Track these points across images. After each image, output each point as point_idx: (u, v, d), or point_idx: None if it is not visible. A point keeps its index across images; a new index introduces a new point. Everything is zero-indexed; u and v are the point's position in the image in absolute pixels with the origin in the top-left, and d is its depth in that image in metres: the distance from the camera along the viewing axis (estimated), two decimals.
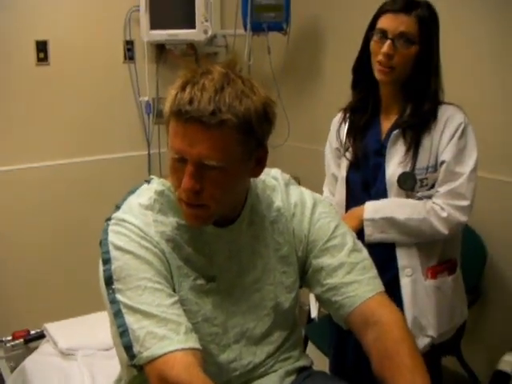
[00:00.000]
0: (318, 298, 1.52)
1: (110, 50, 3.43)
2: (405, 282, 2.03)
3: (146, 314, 1.24)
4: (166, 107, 1.26)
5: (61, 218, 3.37)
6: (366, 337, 1.40)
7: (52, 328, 2.54)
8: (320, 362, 2.16)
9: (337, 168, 2.22)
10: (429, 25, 1.94)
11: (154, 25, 3.36)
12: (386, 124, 2.08)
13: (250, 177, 1.40)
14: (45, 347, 2.48)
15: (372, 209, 2.03)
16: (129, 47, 3.47)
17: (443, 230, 1.97)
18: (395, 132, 2.01)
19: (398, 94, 2.03)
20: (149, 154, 3.61)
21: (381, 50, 1.93)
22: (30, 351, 2.57)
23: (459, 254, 2.16)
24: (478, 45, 2.64)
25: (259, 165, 1.36)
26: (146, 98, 3.52)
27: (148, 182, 1.45)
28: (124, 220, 1.34)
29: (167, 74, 3.57)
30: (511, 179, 2.61)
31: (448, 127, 1.96)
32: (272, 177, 1.54)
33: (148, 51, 3.47)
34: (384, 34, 1.93)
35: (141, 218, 1.35)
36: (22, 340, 2.64)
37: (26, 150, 3.25)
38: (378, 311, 1.40)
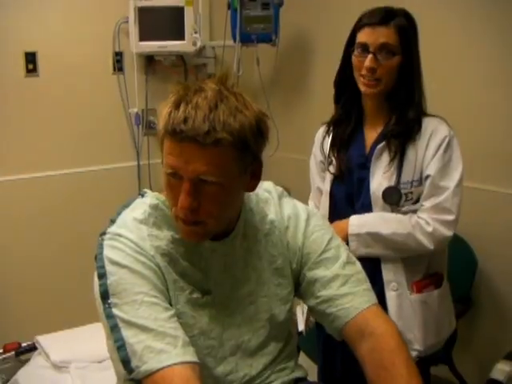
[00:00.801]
0: (312, 310, 1.52)
1: (99, 61, 3.43)
2: (390, 297, 2.02)
3: (143, 328, 1.24)
4: (160, 125, 1.26)
5: (50, 230, 3.35)
6: (360, 348, 1.40)
7: (44, 340, 2.53)
8: (311, 371, 2.16)
9: (321, 181, 2.20)
10: (408, 33, 1.92)
11: (143, 36, 3.36)
12: (370, 136, 2.06)
13: (246, 191, 1.40)
14: (37, 360, 2.48)
15: (357, 223, 2.01)
16: (118, 58, 3.47)
17: (429, 244, 1.96)
18: (380, 145, 2.00)
19: (383, 106, 2.02)
20: (138, 165, 3.60)
21: (363, 65, 1.92)
22: (22, 364, 2.56)
23: (446, 268, 2.14)
24: (464, 53, 2.68)
25: (254, 178, 1.37)
26: (136, 110, 3.51)
27: (142, 195, 1.45)
28: (119, 235, 1.34)
29: (156, 85, 3.59)
30: (501, 189, 2.64)
31: (433, 140, 1.95)
32: (265, 190, 1.55)
33: (137, 62, 3.46)
34: (365, 48, 1.92)
35: (136, 232, 1.35)
36: (13, 353, 2.62)
37: (14, 162, 3.24)
38: (373, 322, 1.41)
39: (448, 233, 1.96)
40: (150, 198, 1.42)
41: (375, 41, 1.90)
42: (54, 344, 2.50)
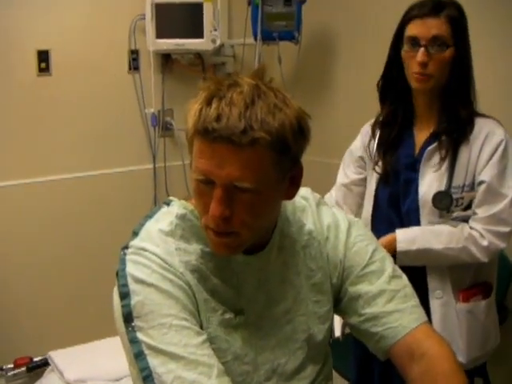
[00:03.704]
0: (354, 328, 1.40)
1: (114, 59, 3.35)
2: (434, 305, 1.94)
3: (173, 356, 1.11)
4: (189, 124, 1.13)
5: (64, 237, 3.26)
6: (411, 370, 1.28)
7: (57, 356, 2.45)
8: None
9: (353, 174, 2.15)
10: (460, 24, 1.85)
11: (160, 34, 3.29)
12: (420, 137, 1.99)
13: (284, 199, 1.27)
14: (50, 377, 2.41)
15: (405, 239, 1.91)
16: (134, 57, 3.39)
17: (483, 258, 1.88)
18: (431, 147, 1.92)
19: (435, 103, 1.94)
20: (154, 168, 3.50)
21: (415, 59, 1.84)
22: (33, 380, 2.47)
23: (495, 277, 2.06)
24: None
25: (293, 185, 1.24)
26: (152, 110, 3.43)
27: (167, 204, 1.32)
28: (144, 249, 1.21)
29: (173, 84, 3.51)
30: None
31: (488, 144, 1.87)
32: (301, 196, 1.42)
33: (153, 61, 3.38)
34: (415, 42, 1.84)
35: (162, 246, 1.22)
36: (24, 368, 2.53)
37: (27, 164, 3.16)
38: (425, 343, 1.29)
39: (502, 245, 1.89)
40: (177, 207, 1.28)
41: (426, 33, 1.82)
42: (67, 360, 2.42)
